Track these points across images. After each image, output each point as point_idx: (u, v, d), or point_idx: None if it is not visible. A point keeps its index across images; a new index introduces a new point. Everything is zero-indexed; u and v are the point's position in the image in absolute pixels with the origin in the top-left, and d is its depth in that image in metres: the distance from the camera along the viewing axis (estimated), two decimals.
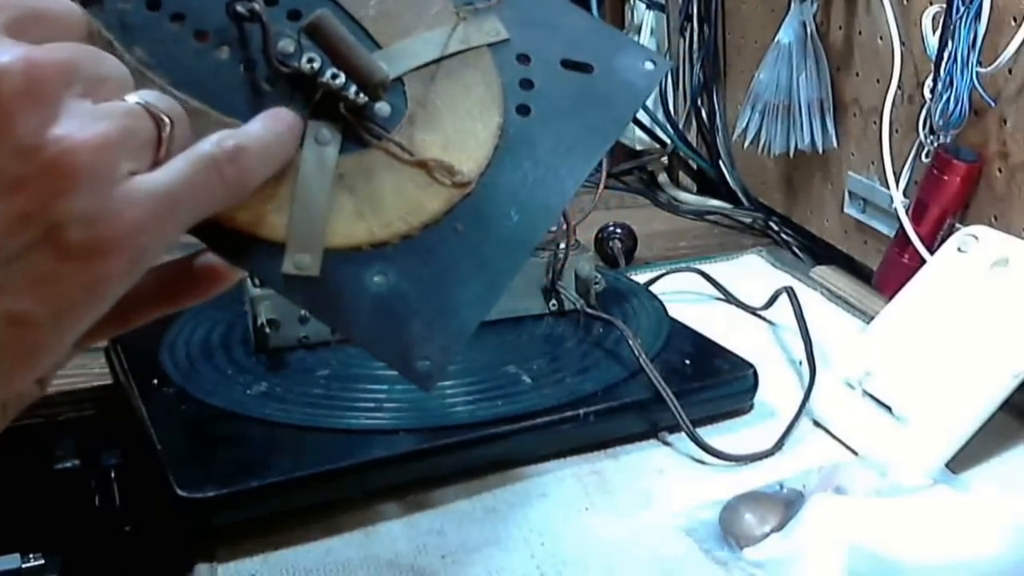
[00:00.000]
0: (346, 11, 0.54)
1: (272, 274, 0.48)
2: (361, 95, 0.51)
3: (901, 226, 0.96)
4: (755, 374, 0.83)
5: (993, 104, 0.88)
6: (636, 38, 1.44)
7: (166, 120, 0.42)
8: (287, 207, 0.49)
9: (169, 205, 0.41)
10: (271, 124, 0.47)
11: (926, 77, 0.93)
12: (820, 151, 1.11)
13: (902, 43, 0.97)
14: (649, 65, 0.59)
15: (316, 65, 0.50)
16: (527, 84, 0.56)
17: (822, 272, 1.12)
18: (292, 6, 0.52)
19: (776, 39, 1.10)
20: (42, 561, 0.66)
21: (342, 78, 0.50)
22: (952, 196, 0.93)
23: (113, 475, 0.72)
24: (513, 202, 0.53)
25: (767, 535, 0.68)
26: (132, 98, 0.42)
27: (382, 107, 0.52)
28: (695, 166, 1.41)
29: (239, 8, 0.50)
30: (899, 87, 0.98)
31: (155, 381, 0.79)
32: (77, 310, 0.40)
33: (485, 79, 0.56)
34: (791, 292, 0.95)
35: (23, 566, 0.65)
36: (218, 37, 0.51)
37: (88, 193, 0.38)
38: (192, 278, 0.47)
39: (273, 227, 0.48)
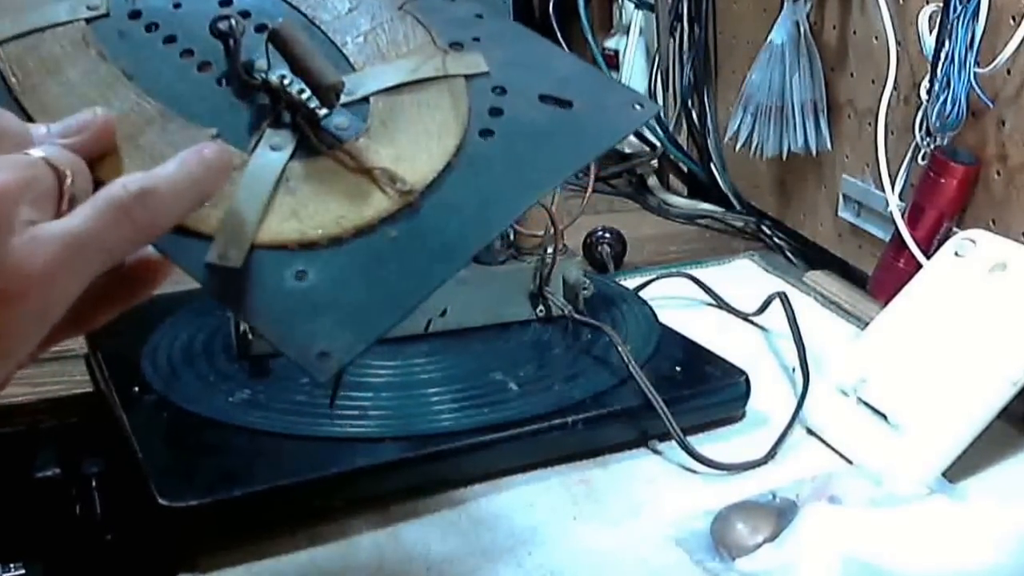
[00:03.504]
0: (329, 38, 0.58)
1: (195, 263, 0.49)
2: (320, 108, 0.53)
3: (897, 230, 0.95)
4: (747, 381, 0.83)
5: (991, 105, 0.87)
6: (624, 39, 1.44)
7: (67, 172, 0.42)
8: (226, 204, 0.50)
9: (76, 249, 0.41)
10: (187, 164, 0.46)
11: (922, 78, 0.93)
12: (814, 153, 1.10)
13: (898, 43, 0.96)
14: (636, 107, 0.60)
15: (286, 81, 0.53)
16: (496, 112, 0.58)
17: (815, 277, 1.11)
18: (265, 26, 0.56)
19: (769, 39, 1.10)
20: (23, 571, 0.66)
21: (307, 93, 0.53)
22: (949, 199, 0.92)
23: (94, 484, 0.73)
24: (455, 215, 0.53)
25: (760, 546, 0.67)
26: (34, 152, 0.42)
27: (341, 121, 0.54)
28: (685, 169, 1.41)
29: (220, 26, 0.54)
30: (895, 88, 0.97)
31: (136, 389, 0.78)
32: None
33: (454, 103, 0.57)
34: (784, 297, 0.95)
35: (3, 575, 0.65)
36: (201, 55, 0.56)
37: None
38: (127, 275, 0.49)
39: (208, 221, 0.49)
